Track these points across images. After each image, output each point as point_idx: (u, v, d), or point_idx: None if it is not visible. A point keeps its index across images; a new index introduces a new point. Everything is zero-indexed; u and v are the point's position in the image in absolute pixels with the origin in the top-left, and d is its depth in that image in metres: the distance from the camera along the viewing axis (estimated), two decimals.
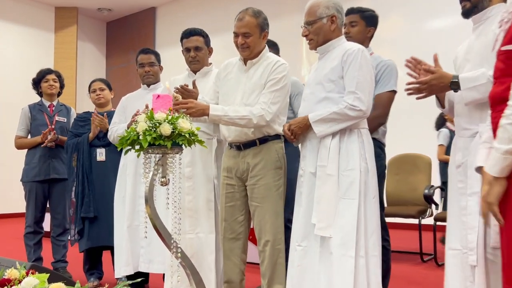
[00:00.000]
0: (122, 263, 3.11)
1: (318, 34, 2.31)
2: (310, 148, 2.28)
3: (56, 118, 3.83)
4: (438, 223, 4.13)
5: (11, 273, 1.92)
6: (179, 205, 2.13)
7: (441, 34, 6.16)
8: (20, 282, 1.75)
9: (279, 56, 3.23)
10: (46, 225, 3.93)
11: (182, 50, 2.96)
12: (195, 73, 2.94)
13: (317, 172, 2.21)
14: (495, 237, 1.72)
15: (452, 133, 5.02)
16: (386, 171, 2.89)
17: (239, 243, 2.54)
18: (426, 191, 4.33)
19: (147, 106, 3.09)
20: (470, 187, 1.88)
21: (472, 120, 1.91)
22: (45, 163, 3.71)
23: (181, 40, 2.97)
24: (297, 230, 2.27)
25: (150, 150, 2.04)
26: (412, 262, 4.37)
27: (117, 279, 3.22)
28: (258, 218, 2.45)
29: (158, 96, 2.11)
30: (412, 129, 6.12)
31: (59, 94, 3.98)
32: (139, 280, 2.29)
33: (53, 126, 3.74)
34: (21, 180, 3.78)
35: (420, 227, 4.37)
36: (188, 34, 2.92)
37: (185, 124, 2.04)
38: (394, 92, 2.66)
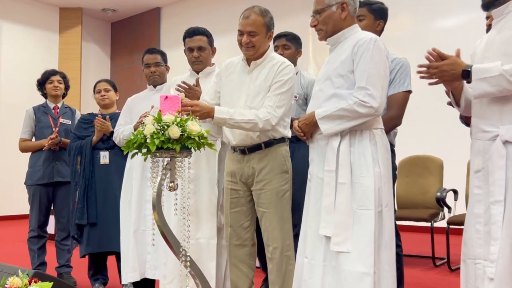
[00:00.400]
0: (129, 269, 3.02)
1: (327, 23, 2.11)
2: (319, 150, 2.10)
3: (61, 120, 3.75)
4: (451, 226, 4.03)
5: (13, 281, 1.84)
6: (188, 211, 2.04)
7: (449, 33, 6.05)
8: None
9: (300, 49, 3.16)
10: (50, 228, 3.86)
11: (185, 50, 2.88)
12: (198, 73, 2.85)
13: (324, 177, 2.02)
14: None
15: None
16: (396, 173, 2.76)
17: (246, 250, 2.45)
18: (438, 193, 4.22)
19: (153, 107, 3.03)
20: (492, 195, 1.75)
21: (491, 122, 1.77)
22: (49, 166, 3.63)
23: (184, 39, 2.89)
24: (304, 241, 2.11)
25: (158, 154, 1.96)
26: (424, 267, 4.27)
27: (123, 285, 3.14)
28: (266, 225, 2.36)
29: (166, 97, 2.02)
30: (423, 130, 6.00)
31: (64, 95, 3.90)
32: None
33: (57, 129, 3.66)
34: (24, 183, 3.71)
35: (432, 231, 4.26)
36: (191, 33, 2.84)
37: (194, 126, 1.95)
38: (410, 92, 2.53)
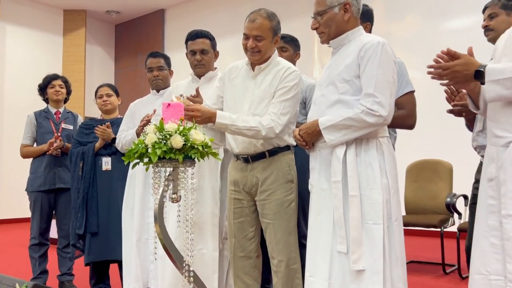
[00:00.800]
0: (131, 279, 2.94)
1: (330, 26, 2.00)
2: (321, 160, 1.98)
3: (63, 125, 3.68)
4: (462, 233, 3.92)
5: None
6: (191, 224, 1.95)
7: (457, 35, 5.94)
8: None
9: (298, 52, 3.07)
10: (53, 232, 3.77)
11: (187, 53, 2.80)
12: (200, 78, 2.77)
13: (332, 189, 1.90)
14: None
15: None
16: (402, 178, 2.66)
17: (251, 262, 2.35)
18: (448, 199, 4.11)
19: (155, 111, 2.95)
20: (504, 208, 1.61)
21: (504, 126, 1.63)
22: (51, 172, 3.56)
23: (186, 42, 2.80)
24: (308, 258, 1.99)
25: (160, 164, 1.87)
26: (433, 274, 4.16)
27: None
28: (270, 236, 2.27)
29: (169, 104, 1.94)
30: (432, 133, 5.89)
31: (66, 100, 3.83)
32: None
33: (59, 134, 3.59)
34: (26, 190, 3.63)
35: (442, 238, 4.16)
36: (194, 36, 2.75)
37: (198, 135, 1.87)
38: (413, 91, 2.42)
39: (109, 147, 3.26)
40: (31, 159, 3.69)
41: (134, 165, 1.93)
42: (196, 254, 2.48)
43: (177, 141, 1.81)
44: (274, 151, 2.29)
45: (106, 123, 3.26)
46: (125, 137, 3.11)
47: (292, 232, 2.26)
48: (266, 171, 2.27)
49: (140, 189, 2.99)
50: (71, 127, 3.71)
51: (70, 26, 9.42)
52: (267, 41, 2.25)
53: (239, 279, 2.36)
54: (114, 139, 3.24)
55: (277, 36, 2.30)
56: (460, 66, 1.62)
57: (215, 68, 2.82)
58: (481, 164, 2.56)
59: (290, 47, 2.96)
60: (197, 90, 2.46)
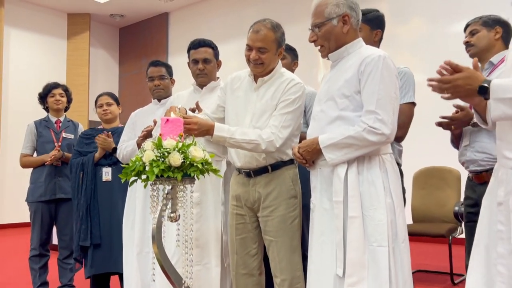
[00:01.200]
0: None
1: (329, 38, 1.92)
2: (322, 179, 1.91)
3: (63, 134, 3.62)
4: None
5: None
6: (191, 244, 1.88)
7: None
8: None
9: (296, 61, 2.99)
10: (53, 238, 3.73)
11: (189, 62, 2.73)
12: (202, 88, 2.70)
13: (333, 209, 1.82)
14: None
15: None
16: (405, 196, 2.55)
17: (253, 280, 2.27)
18: (456, 208, 4.01)
19: (155, 122, 2.89)
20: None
21: None
22: (51, 182, 3.51)
23: (188, 51, 2.74)
24: (310, 281, 1.91)
25: (158, 182, 1.80)
26: (442, 285, 4.07)
27: None
28: (273, 254, 2.18)
29: (167, 120, 1.87)
30: (439, 139, 5.76)
31: (66, 109, 3.77)
32: None
33: (59, 144, 3.54)
34: (26, 200, 3.58)
35: (450, 248, 4.06)
36: (196, 45, 2.69)
37: (197, 152, 1.79)
38: (414, 104, 2.33)
39: (110, 157, 3.21)
40: (31, 168, 3.63)
41: (131, 183, 1.86)
42: (201, 268, 2.42)
43: (176, 159, 1.74)
44: (277, 166, 2.21)
45: (108, 133, 3.21)
46: (125, 148, 3.05)
47: (296, 250, 2.18)
48: (269, 186, 2.19)
49: (140, 201, 2.93)
50: (71, 136, 3.65)
51: (74, 30, 9.40)
52: (271, 53, 2.16)
53: None
54: (114, 149, 3.18)
55: (281, 48, 2.21)
56: (462, 80, 1.51)
57: (218, 78, 2.75)
58: (469, 179, 2.51)
59: (289, 56, 2.88)
60: (197, 104, 2.39)
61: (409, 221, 4.41)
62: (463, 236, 4.03)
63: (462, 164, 2.46)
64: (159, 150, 1.76)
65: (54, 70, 9.15)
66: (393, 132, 1.80)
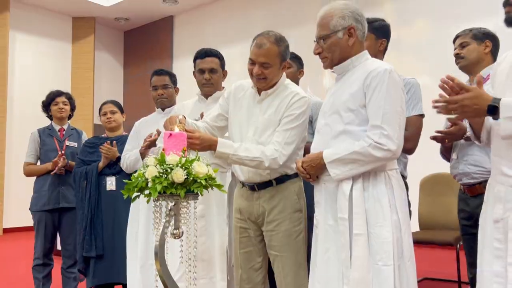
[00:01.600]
0: None
1: (333, 51, 1.89)
2: (326, 194, 1.87)
3: (67, 143, 3.60)
4: None
5: None
6: (195, 263, 1.85)
7: None
8: None
9: (302, 69, 2.95)
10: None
11: (194, 72, 2.70)
12: (207, 98, 2.67)
13: (338, 226, 1.78)
14: None
15: None
16: (410, 209, 2.51)
17: None
18: None
19: (158, 132, 2.86)
20: (511, 255, 1.48)
21: None
22: (55, 191, 3.49)
23: (194, 60, 2.71)
24: None
25: (160, 198, 1.77)
26: None
27: None
28: (278, 269, 2.14)
29: (170, 134, 1.83)
30: None
31: (70, 117, 3.76)
32: None
33: (63, 152, 3.52)
34: (29, 209, 3.56)
35: (458, 256, 4.00)
36: (203, 54, 2.66)
37: (201, 168, 1.75)
38: (422, 116, 2.31)
39: (114, 166, 3.19)
40: (35, 177, 3.62)
41: (133, 199, 1.83)
42: (208, 282, 2.40)
43: (179, 175, 1.70)
44: (282, 179, 2.16)
45: (113, 142, 3.19)
46: (129, 157, 3.04)
47: (302, 265, 2.13)
48: (273, 201, 2.15)
49: (144, 212, 2.90)
50: (75, 144, 3.63)
51: (79, 34, 9.42)
52: (275, 68, 2.11)
53: None
54: (119, 158, 3.16)
55: (285, 62, 2.16)
56: (469, 100, 1.48)
57: (223, 87, 2.72)
58: (461, 192, 2.49)
59: (294, 64, 2.85)
60: (201, 115, 2.36)
61: (416, 228, 4.35)
62: None
63: (454, 177, 2.46)
64: (162, 166, 1.73)
65: (59, 74, 9.17)
66: (399, 147, 1.77)
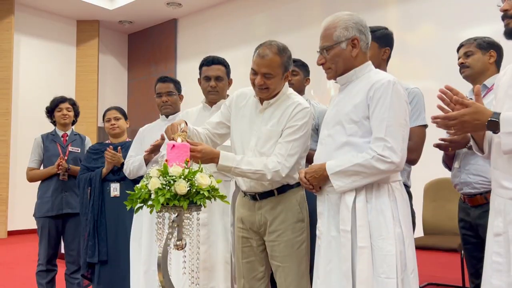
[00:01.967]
0: None
1: (337, 62, 1.88)
2: (329, 205, 1.86)
3: (70, 148, 3.61)
4: None
5: None
6: (197, 274, 1.84)
7: None
8: None
9: (308, 77, 2.94)
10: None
11: (199, 79, 2.70)
12: (211, 106, 2.67)
13: (340, 238, 1.77)
14: None
15: None
16: (415, 220, 2.45)
17: None
18: None
19: (162, 137, 2.86)
20: None
21: None
22: (58, 197, 3.50)
23: (200, 67, 2.70)
24: None
25: (163, 210, 1.77)
26: None
27: None
28: (281, 280, 2.13)
29: (174, 146, 1.83)
30: None
31: (74, 122, 3.77)
32: None
33: (66, 158, 3.53)
34: (33, 215, 3.57)
35: (462, 262, 3.98)
36: (209, 62, 2.66)
37: (204, 179, 1.75)
38: (426, 126, 2.28)
39: (118, 173, 3.19)
40: (38, 183, 3.63)
41: (137, 210, 1.83)
42: None
43: (182, 187, 1.70)
44: (283, 189, 2.15)
45: (118, 148, 3.19)
46: (132, 163, 3.04)
47: (304, 275, 2.12)
48: (275, 211, 2.14)
49: (147, 219, 2.90)
50: (78, 150, 3.65)
51: (83, 37, 9.45)
52: (277, 79, 2.09)
53: None
54: (123, 164, 3.16)
55: (287, 72, 2.14)
56: (469, 116, 1.47)
57: (228, 95, 2.72)
58: (462, 202, 2.47)
59: (301, 72, 2.85)
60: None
61: (420, 233, 4.34)
62: None
63: (455, 186, 2.43)
64: (165, 178, 1.73)
65: (63, 77, 9.20)
66: (402, 160, 1.76)
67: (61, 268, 3.65)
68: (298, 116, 2.10)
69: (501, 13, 1.68)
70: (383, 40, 2.37)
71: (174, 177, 1.73)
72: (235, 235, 2.30)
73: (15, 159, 8.13)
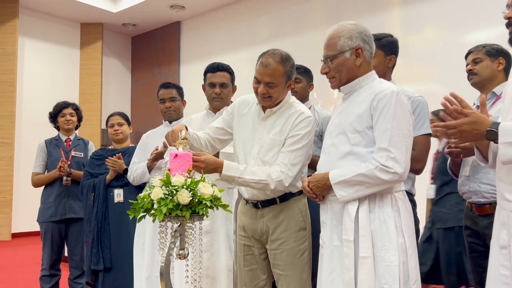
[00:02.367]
0: None
1: (340, 71, 1.88)
2: (332, 214, 1.86)
3: (73, 153, 3.63)
4: None
5: None
6: (200, 283, 1.85)
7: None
8: None
9: (312, 83, 2.94)
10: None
11: (204, 85, 2.70)
12: (215, 113, 2.67)
13: (343, 247, 1.77)
14: None
15: None
16: (419, 227, 2.45)
17: None
18: None
19: (165, 144, 2.87)
20: None
21: None
22: (61, 202, 3.51)
23: (205, 74, 2.70)
24: None
25: (166, 219, 1.77)
26: None
27: None
28: None
29: (176, 155, 1.84)
30: None
31: (77, 127, 3.78)
32: None
33: (69, 163, 3.54)
34: (37, 221, 3.59)
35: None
36: (215, 68, 2.66)
37: (206, 189, 1.76)
38: (430, 135, 2.27)
39: (121, 179, 3.20)
40: (42, 189, 3.64)
41: (139, 219, 1.84)
42: None
43: (184, 197, 1.71)
44: (285, 197, 2.15)
45: (117, 154, 3.20)
46: (136, 170, 3.05)
47: (306, 284, 2.12)
48: (277, 219, 2.14)
49: (151, 225, 2.90)
50: (81, 155, 3.66)
51: (87, 39, 9.48)
52: (280, 88, 2.10)
53: None
54: (126, 170, 3.17)
55: (290, 81, 2.14)
56: (468, 125, 1.47)
57: (231, 102, 2.72)
58: (469, 210, 2.43)
59: (304, 78, 2.84)
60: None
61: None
62: None
63: (462, 194, 2.39)
64: (167, 188, 1.73)
65: (67, 79, 9.23)
66: (406, 170, 1.75)
67: (65, 272, 3.66)
68: (301, 125, 2.10)
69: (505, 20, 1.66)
70: (388, 48, 2.35)
71: (176, 187, 1.73)
72: (237, 243, 2.30)
73: (19, 162, 8.16)
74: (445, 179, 3.32)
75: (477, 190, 2.28)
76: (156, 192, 1.74)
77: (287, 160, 2.06)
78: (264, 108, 2.20)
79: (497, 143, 1.45)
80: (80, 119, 3.76)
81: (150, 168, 3.00)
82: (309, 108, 2.69)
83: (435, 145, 3.89)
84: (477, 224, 2.33)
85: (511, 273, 1.47)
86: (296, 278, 2.10)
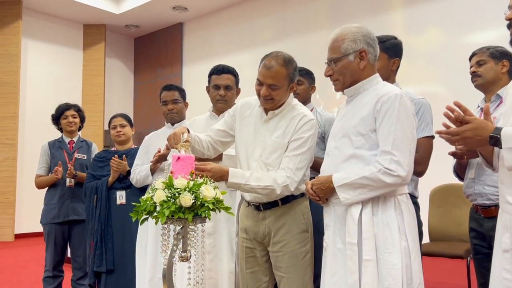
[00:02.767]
0: None
1: (344, 74, 1.88)
2: (335, 217, 1.86)
3: (76, 155, 3.64)
4: None
5: None
6: (203, 286, 1.85)
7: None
8: None
9: (314, 85, 2.94)
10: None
11: (208, 87, 2.71)
12: (219, 115, 2.67)
13: (346, 250, 1.77)
14: None
15: None
16: (422, 229, 2.43)
17: None
18: None
19: (167, 147, 2.88)
20: None
21: None
22: (64, 204, 3.53)
23: (210, 76, 2.71)
24: None
25: (168, 222, 1.78)
26: None
27: None
28: None
29: (179, 158, 1.84)
30: None
31: (80, 128, 3.79)
32: None
33: (72, 163, 3.55)
34: (40, 222, 3.60)
35: (468, 270, 3.96)
36: (220, 71, 2.66)
37: (208, 192, 1.76)
38: (433, 137, 2.26)
39: (124, 181, 3.21)
40: (45, 190, 3.65)
41: (142, 222, 1.84)
42: None
43: (186, 200, 1.71)
44: (288, 199, 2.15)
45: (123, 156, 3.21)
46: (139, 173, 3.05)
47: (308, 286, 2.12)
48: (279, 221, 2.14)
49: (153, 227, 2.91)
50: (84, 156, 3.67)
51: (90, 41, 9.51)
52: (282, 90, 2.10)
53: None
54: (129, 172, 3.18)
55: (293, 83, 2.14)
56: (470, 132, 1.47)
57: (235, 104, 2.73)
58: (474, 212, 2.44)
59: (306, 81, 2.84)
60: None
61: (426, 240, 4.32)
62: None
63: (468, 196, 2.39)
64: (170, 190, 1.74)
65: (70, 80, 9.26)
66: (409, 173, 1.75)
67: (68, 273, 3.67)
68: (304, 128, 2.10)
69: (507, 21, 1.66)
70: (392, 50, 2.35)
71: (179, 190, 1.74)
72: (239, 245, 2.30)
73: (22, 163, 8.19)
74: None
75: (482, 192, 2.28)
76: (159, 194, 1.74)
77: (292, 165, 2.06)
78: (266, 110, 2.20)
79: (500, 148, 1.45)
80: (82, 120, 3.77)
81: (153, 170, 3.01)
82: (311, 110, 2.69)
83: (438, 147, 3.89)
84: (482, 226, 2.33)
85: None
86: (298, 280, 2.10)
